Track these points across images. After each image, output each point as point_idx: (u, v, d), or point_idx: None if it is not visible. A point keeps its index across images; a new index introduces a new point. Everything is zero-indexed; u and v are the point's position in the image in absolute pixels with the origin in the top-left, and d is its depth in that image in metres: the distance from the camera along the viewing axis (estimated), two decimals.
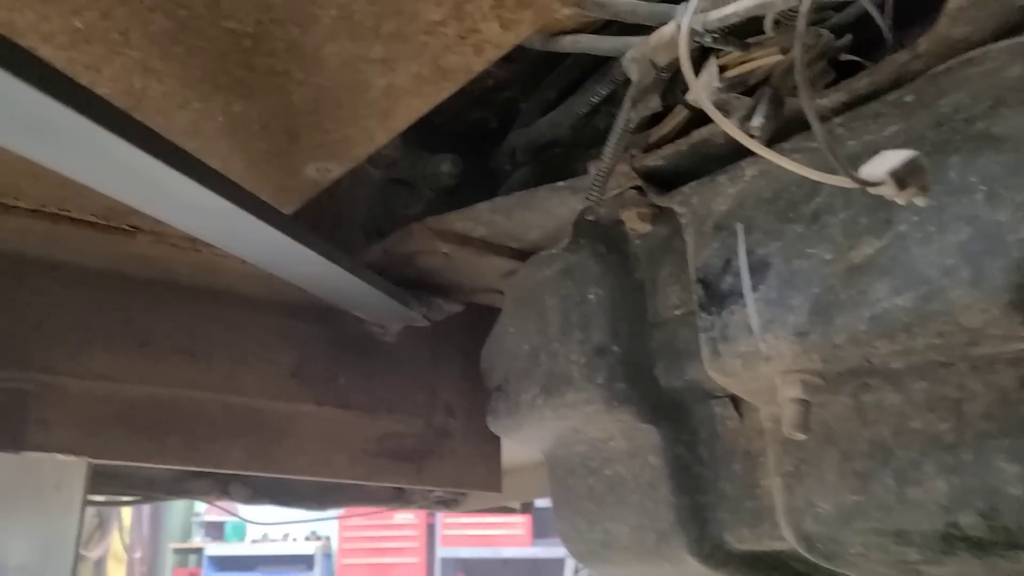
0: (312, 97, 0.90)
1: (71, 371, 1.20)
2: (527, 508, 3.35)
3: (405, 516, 8.21)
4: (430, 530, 8.46)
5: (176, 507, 8.36)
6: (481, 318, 1.62)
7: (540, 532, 8.17)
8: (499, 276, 1.46)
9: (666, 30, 0.98)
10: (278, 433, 1.35)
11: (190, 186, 0.76)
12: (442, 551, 8.43)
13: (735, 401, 1.21)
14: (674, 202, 1.14)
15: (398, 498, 3.20)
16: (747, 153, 1.08)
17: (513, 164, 1.51)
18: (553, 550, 8.10)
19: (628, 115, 1.06)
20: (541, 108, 1.44)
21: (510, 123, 1.55)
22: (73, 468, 1.67)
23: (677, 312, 1.24)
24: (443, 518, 8.19)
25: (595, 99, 1.26)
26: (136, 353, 1.25)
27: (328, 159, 1.03)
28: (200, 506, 8.50)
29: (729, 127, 0.85)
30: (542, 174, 1.42)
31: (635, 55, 1.00)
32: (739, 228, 1.06)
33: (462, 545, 8.42)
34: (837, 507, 1.00)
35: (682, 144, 1.11)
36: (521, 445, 1.44)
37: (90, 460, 1.25)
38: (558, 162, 1.41)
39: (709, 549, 1.22)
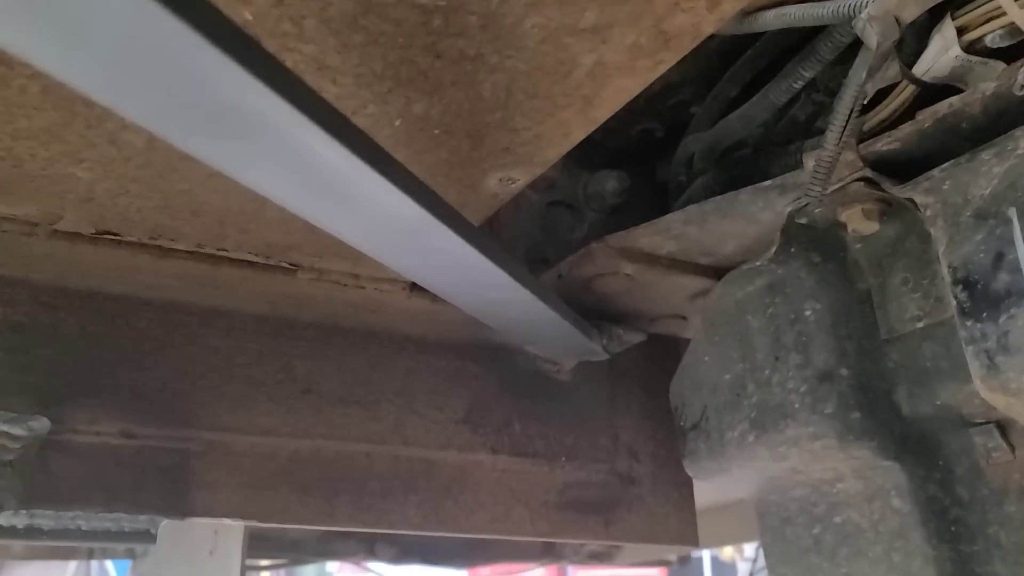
0: (504, 87, 0.76)
1: (234, 427, 1.10)
2: (684, 561, 3.11)
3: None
4: None
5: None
6: (660, 350, 1.45)
7: None
8: (686, 298, 1.29)
9: None
10: (452, 487, 1.21)
11: (379, 184, 0.63)
12: None
13: (1002, 428, 1.00)
14: (919, 191, 0.95)
15: (548, 553, 3.01)
16: (1015, 122, 0.90)
17: (689, 174, 1.35)
18: None
19: (863, 88, 0.88)
20: (721, 108, 1.27)
21: (679, 132, 1.39)
22: (228, 533, 1.57)
23: (919, 324, 1.04)
24: (575, 570, 7.91)
25: (798, 84, 1.08)
26: (299, 403, 1.14)
27: (514, 166, 0.89)
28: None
29: None
30: (728, 180, 1.25)
31: (875, 12, 0.83)
32: (1013, 214, 0.87)
33: None
34: None
35: (924, 120, 0.93)
36: (725, 489, 1.25)
37: (246, 524, 1.13)
38: (747, 166, 1.24)
39: None
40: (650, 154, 1.46)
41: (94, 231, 0.98)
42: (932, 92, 0.97)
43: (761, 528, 1.25)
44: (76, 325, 1.05)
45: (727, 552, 5.92)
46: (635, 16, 0.68)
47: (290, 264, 1.09)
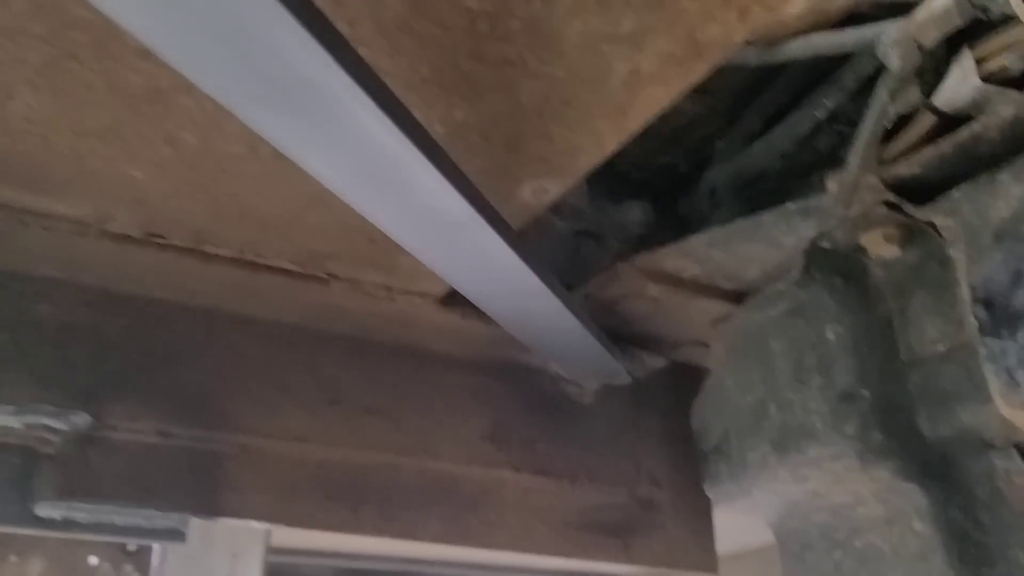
0: (542, 94, 0.81)
1: (266, 432, 1.12)
2: None
3: None
4: None
5: None
6: (682, 379, 1.47)
7: None
8: (709, 324, 1.31)
9: (937, 1, 0.85)
10: (475, 502, 1.23)
11: (427, 172, 0.66)
12: None
13: (1023, 452, 1.01)
14: (939, 213, 0.98)
15: None
16: None
17: (711, 205, 1.38)
18: None
19: (884, 110, 0.92)
20: (744, 141, 1.31)
21: (702, 166, 1.43)
22: (250, 537, 1.59)
23: (939, 347, 1.06)
24: None
25: (821, 113, 1.12)
26: (328, 412, 1.17)
27: (548, 175, 0.93)
28: None
29: None
30: (750, 212, 1.28)
31: (897, 36, 0.88)
32: None
33: None
34: None
35: (944, 145, 0.97)
36: (745, 514, 1.26)
37: (273, 527, 1.15)
38: (768, 197, 1.27)
39: None
40: (673, 188, 1.50)
41: (142, 233, 1.03)
42: (950, 123, 1.01)
43: (781, 555, 1.25)
44: (119, 327, 1.09)
45: None
46: (669, 24, 0.72)
47: (326, 274, 1.13)
